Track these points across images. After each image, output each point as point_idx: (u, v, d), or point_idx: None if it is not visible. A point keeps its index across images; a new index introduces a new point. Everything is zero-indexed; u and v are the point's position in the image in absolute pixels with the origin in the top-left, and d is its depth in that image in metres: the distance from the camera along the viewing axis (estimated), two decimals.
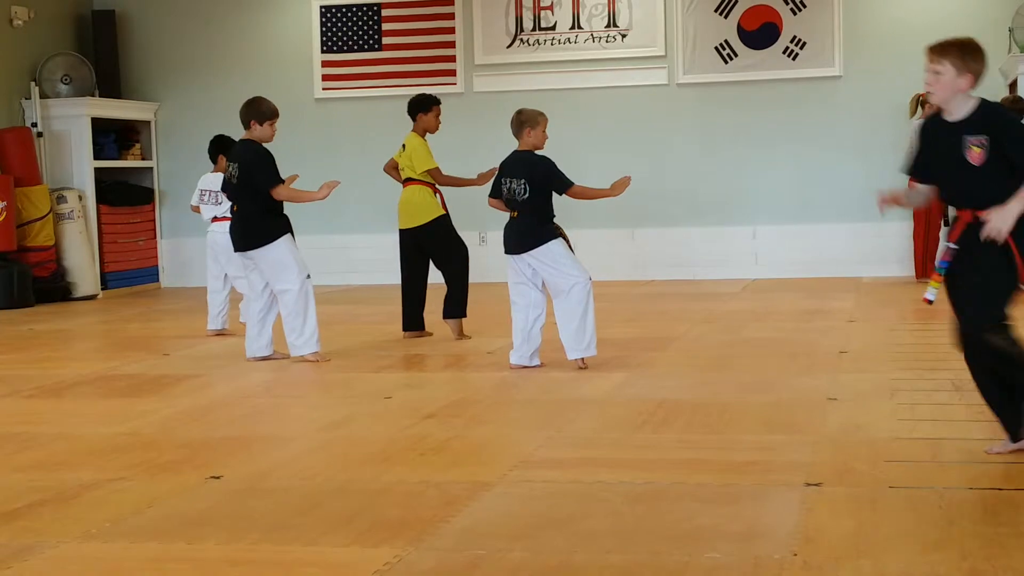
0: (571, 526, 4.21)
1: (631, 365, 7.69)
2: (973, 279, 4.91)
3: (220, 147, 9.78)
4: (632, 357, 8.00)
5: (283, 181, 8.13)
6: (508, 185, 7.57)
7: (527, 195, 7.49)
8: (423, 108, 9.19)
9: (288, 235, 8.14)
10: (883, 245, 13.27)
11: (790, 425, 5.77)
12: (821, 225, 13.51)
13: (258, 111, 8.15)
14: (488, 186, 7.99)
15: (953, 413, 5.90)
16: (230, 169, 8.18)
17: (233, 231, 8.27)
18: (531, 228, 7.51)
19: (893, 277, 13.00)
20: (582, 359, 7.48)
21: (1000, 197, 4.84)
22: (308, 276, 8.10)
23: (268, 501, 4.65)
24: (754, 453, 5.18)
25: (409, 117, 9.24)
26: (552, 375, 7.40)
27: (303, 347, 8.09)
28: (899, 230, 13.07)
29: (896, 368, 7.26)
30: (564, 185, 7.56)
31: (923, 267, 12.50)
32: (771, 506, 4.42)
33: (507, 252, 7.64)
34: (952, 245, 4.97)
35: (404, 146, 9.18)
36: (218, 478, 5.00)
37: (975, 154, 4.86)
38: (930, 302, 5.03)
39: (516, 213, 7.59)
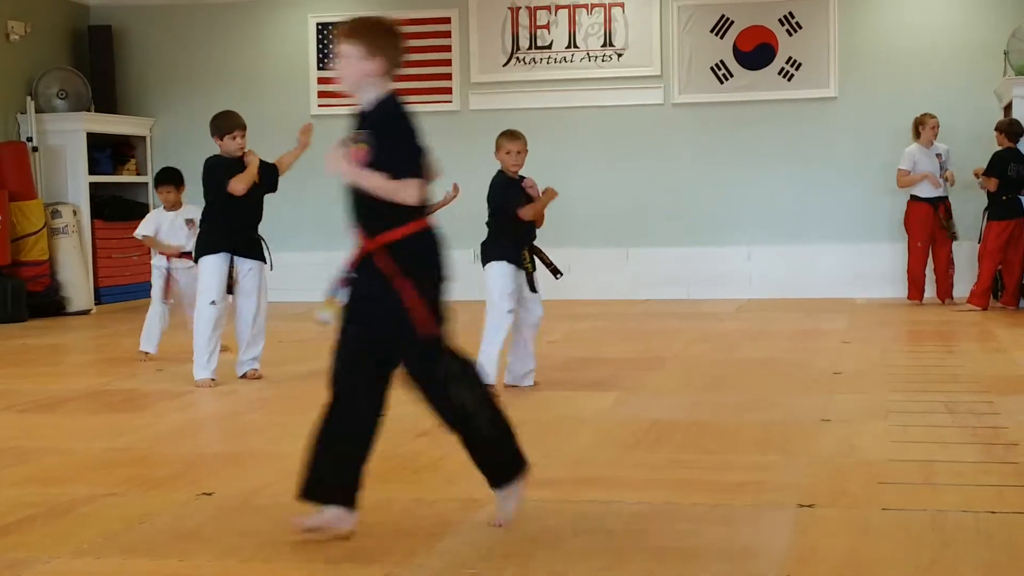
0: (564, 545, 4.20)
1: (625, 384, 7.68)
2: (353, 330, 4.29)
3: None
4: (626, 376, 8.00)
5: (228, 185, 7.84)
6: None
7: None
8: None
9: (214, 255, 7.96)
10: (878, 266, 13.29)
11: (784, 446, 5.77)
12: (816, 246, 13.53)
13: (215, 126, 8.05)
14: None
15: (946, 435, 5.91)
16: None
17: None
18: (483, 246, 7.50)
19: (887, 298, 13.01)
20: None
21: (387, 218, 4.19)
22: (212, 302, 7.93)
23: (260, 517, 4.64)
24: (748, 473, 5.18)
25: None
26: (545, 394, 7.39)
27: (195, 371, 7.96)
28: (894, 251, 13.09)
29: (889, 389, 7.27)
30: (493, 209, 7.45)
31: (921, 288, 12.51)
32: (764, 527, 4.42)
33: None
34: (350, 274, 4.31)
35: None
36: (210, 494, 4.99)
37: (355, 153, 4.24)
38: (326, 322, 4.41)
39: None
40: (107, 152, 14.22)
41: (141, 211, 14.51)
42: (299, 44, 14.47)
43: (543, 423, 6.51)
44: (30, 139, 13.47)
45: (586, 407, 6.91)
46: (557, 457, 5.64)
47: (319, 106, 14.37)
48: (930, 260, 12.49)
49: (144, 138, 14.65)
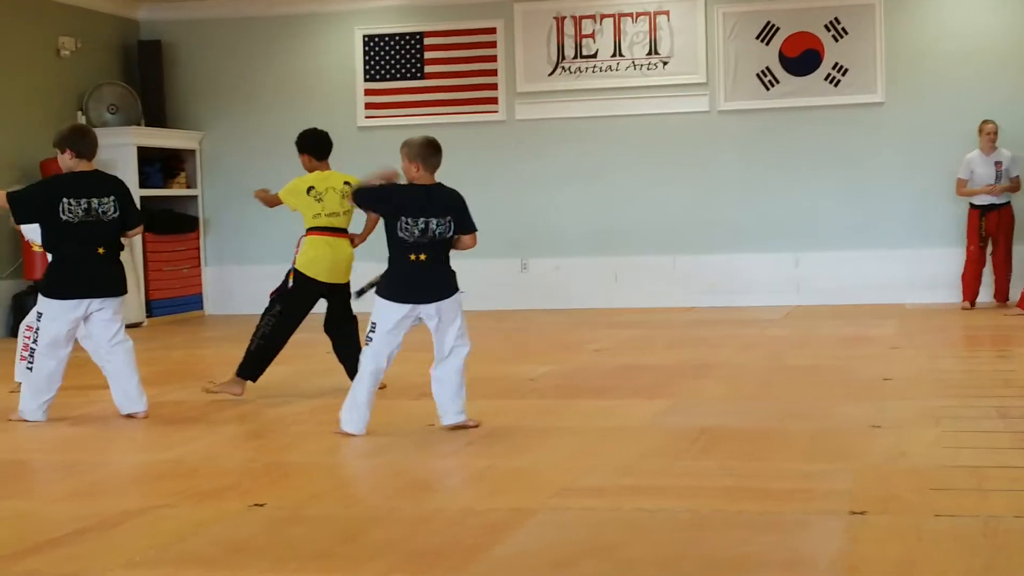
0: (613, 554, 4.20)
1: (672, 392, 7.67)
2: None
3: None
4: (673, 384, 7.99)
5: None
6: (424, 225, 6.50)
7: (451, 234, 6.60)
8: None
9: (55, 300, 7.52)
10: (926, 271, 13.19)
11: (833, 453, 5.74)
12: (864, 252, 13.45)
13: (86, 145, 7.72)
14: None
15: (998, 441, 5.86)
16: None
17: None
18: (451, 273, 6.68)
19: (936, 303, 12.91)
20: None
21: None
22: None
23: (310, 529, 4.66)
24: (797, 481, 5.15)
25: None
26: (592, 403, 7.39)
27: None
28: (943, 256, 13.00)
29: (940, 395, 7.21)
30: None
31: (973, 291, 12.41)
32: (815, 535, 4.39)
33: (420, 301, 6.62)
34: None
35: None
36: (261, 506, 5.02)
37: None
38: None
39: (424, 256, 6.54)
40: (157, 166, 14.34)
41: (191, 224, 14.66)
42: (346, 57, 14.54)
43: (590, 431, 6.51)
44: None
45: (633, 415, 6.90)
46: (605, 465, 5.63)
47: (366, 118, 14.43)
48: (989, 262, 12.44)
49: (194, 151, 14.77)
